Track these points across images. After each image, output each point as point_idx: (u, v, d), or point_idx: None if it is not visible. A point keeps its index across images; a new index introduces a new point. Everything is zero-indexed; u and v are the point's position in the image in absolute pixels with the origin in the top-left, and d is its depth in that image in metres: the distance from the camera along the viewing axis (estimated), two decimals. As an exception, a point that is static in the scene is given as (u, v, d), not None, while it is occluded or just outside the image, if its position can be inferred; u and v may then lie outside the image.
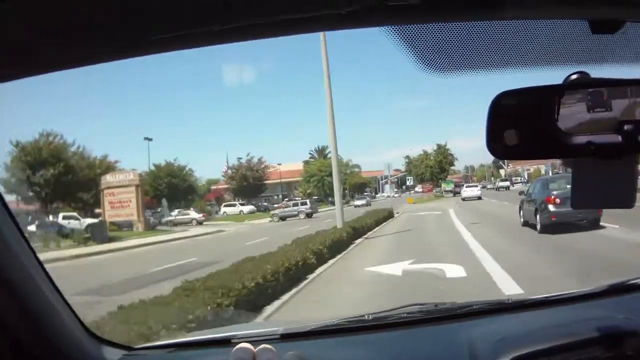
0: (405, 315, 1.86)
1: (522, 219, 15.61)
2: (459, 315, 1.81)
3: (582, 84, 0.93)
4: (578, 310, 1.76)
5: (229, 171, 55.75)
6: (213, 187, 61.75)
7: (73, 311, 1.44)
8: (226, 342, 1.69)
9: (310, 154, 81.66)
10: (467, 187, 44.70)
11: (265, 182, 57.28)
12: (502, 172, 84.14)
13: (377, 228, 20.55)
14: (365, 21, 0.86)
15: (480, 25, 0.91)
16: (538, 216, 13.54)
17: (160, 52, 0.96)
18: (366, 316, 1.88)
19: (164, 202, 37.14)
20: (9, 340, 1.21)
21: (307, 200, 40.78)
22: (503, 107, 0.95)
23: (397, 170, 69.23)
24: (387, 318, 1.85)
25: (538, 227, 13.49)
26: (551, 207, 12.88)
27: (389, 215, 25.96)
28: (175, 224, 34.62)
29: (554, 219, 12.68)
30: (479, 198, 37.95)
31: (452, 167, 70.83)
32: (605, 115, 0.92)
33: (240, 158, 56.20)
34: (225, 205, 50.06)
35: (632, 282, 1.80)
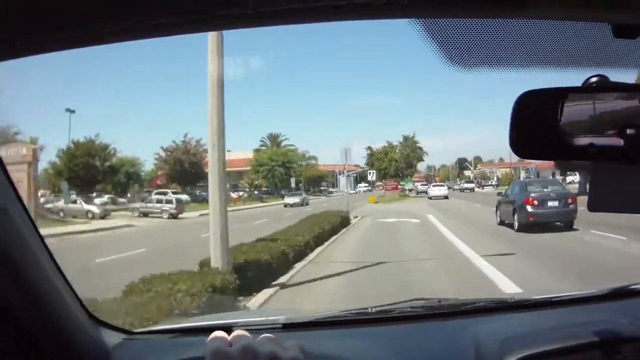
0: (409, 309, 2.00)
1: (498, 219, 17.77)
2: (463, 312, 1.95)
3: (601, 87, 1.02)
4: (581, 313, 1.90)
5: (163, 154, 50.95)
6: (160, 173, 58.74)
7: (75, 293, 1.50)
8: (227, 330, 1.64)
9: (261, 141, 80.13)
10: (434, 186, 50.32)
11: (205, 168, 53.38)
12: (468, 173, 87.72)
13: (318, 251, 13.12)
14: (390, 12, 0.92)
15: (503, 23, 0.99)
16: (516, 216, 15.65)
17: (182, 33, 0.99)
18: (369, 309, 2.00)
19: (64, 185, 34.76)
20: (10, 321, 1.26)
21: (174, 198, 36.13)
22: (525, 107, 1.03)
23: (356, 165, 67.34)
24: (391, 311, 1.98)
25: (515, 225, 15.58)
26: (529, 208, 15.13)
27: (342, 222, 19.08)
28: (65, 214, 30.72)
29: (531, 219, 14.92)
30: (446, 197, 41.75)
31: (421, 162, 68.30)
32: (624, 120, 1.01)
33: (184, 140, 52.09)
34: (156, 193, 45.06)
35: (634, 286, 1.97)
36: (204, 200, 41.26)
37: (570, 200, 15.05)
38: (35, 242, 1.33)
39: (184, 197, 41.91)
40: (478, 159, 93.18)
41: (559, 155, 1.10)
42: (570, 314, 1.91)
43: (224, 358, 0.79)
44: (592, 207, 1.12)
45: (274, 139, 78.84)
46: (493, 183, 73.26)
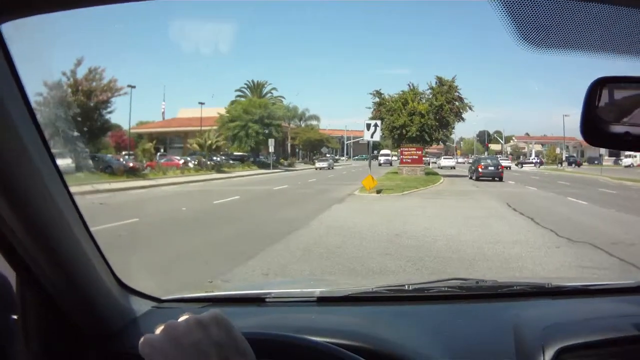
0: (445, 289, 2.53)
1: (468, 174, 47.19)
2: (500, 294, 2.52)
3: None
4: (618, 304, 2.45)
5: (46, 93, 32.78)
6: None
7: (104, 258, 1.84)
8: (260, 301, 2.35)
9: (240, 91, 78.24)
10: (444, 158, 76.47)
11: (107, 112, 42.42)
12: (494, 147, 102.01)
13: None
14: None
15: (583, 6, 1.24)
16: (474, 173, 44.88)
17: None
18: (406, 286, 2.52)
19: None
20: (33, 282, 1.58)
21: None
22: (601, 93, 1.32)
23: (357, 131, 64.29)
24: (428, 290, 2.51)
25: (473, 177, 44.30)
26: (479, 169, 44.15)
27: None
28: None
29: (480, 175, 43.46)
30: (453, 168, 66.33)
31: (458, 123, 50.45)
32: None
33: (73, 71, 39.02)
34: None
35: None
36: (107, 169, 35.71)
37: (500, 168, 43.51)
38: (64, 201, 1.56)
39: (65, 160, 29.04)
40: (499, 134, 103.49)
41: (635, 146, 1.37)
42: (608, 304, 2.44)
43: (148, 343, 1.07)
44: None
45: (256, 88, 78.63)
46: (535, 160, 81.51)
